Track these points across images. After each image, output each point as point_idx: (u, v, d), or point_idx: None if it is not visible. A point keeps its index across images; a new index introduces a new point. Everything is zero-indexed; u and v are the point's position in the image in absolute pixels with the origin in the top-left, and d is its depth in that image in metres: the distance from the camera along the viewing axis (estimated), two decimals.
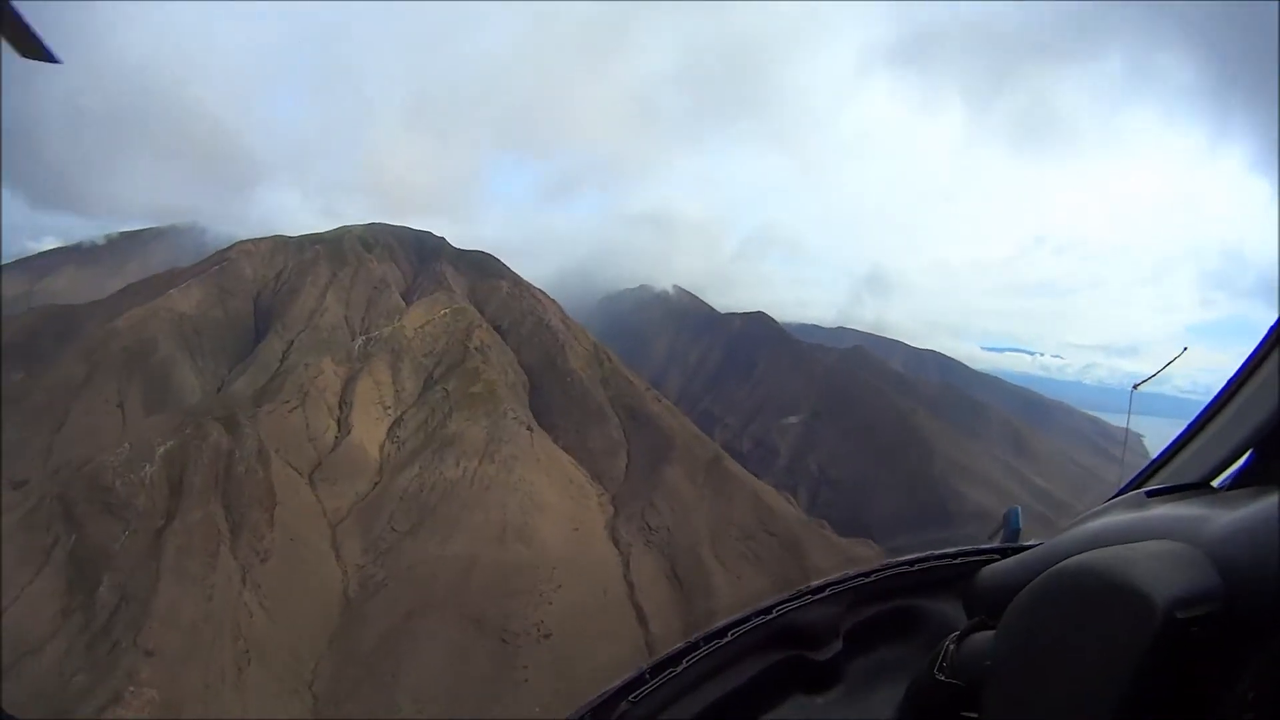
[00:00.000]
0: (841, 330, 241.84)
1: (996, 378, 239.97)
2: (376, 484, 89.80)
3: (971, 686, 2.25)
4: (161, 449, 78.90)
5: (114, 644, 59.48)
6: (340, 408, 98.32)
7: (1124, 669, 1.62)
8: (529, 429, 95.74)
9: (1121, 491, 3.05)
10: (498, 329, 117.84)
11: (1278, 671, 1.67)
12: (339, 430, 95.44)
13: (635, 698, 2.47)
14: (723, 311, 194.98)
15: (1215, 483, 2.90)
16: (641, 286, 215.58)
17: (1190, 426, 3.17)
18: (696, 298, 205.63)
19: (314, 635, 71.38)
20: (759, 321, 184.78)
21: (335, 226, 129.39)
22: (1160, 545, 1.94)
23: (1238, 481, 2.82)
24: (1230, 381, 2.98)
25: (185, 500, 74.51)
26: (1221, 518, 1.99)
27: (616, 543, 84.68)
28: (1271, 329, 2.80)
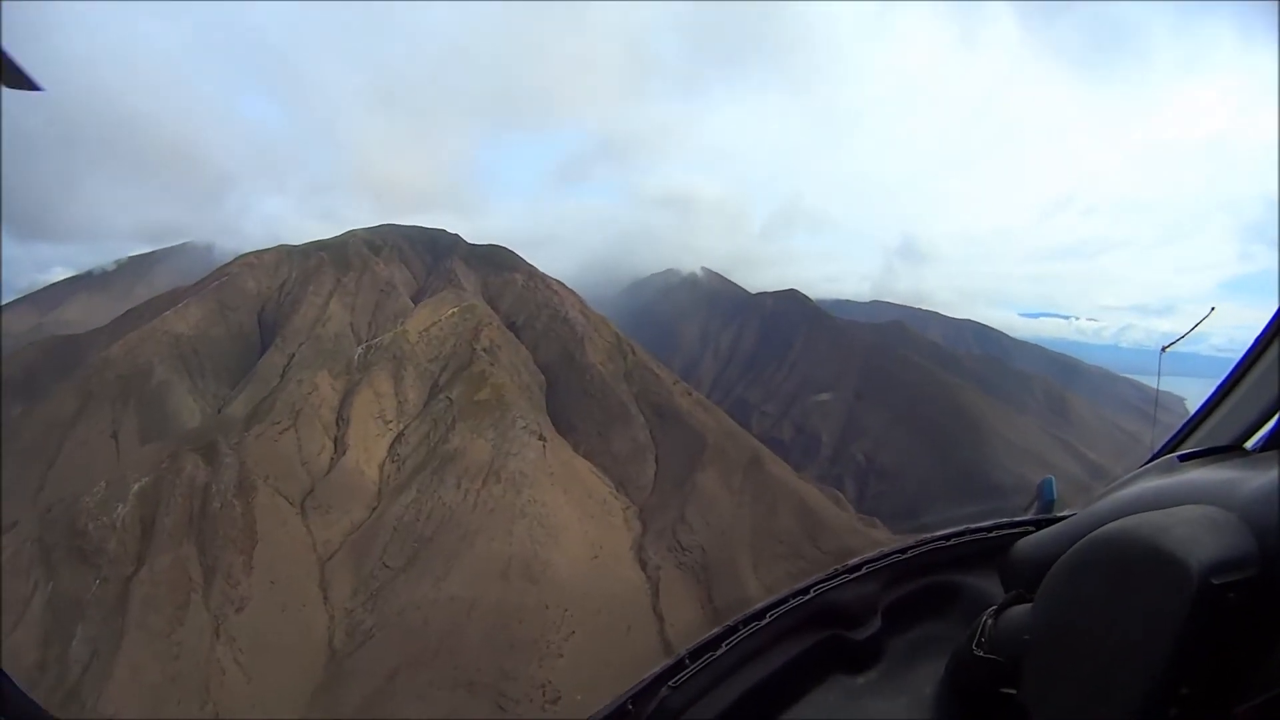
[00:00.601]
0: (876, 304, 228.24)
1: (1037, 345, 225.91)
2: (374, 510, 79.55)
3: (1010, 661, 2.22)
4: (136, 486, 71.17)
5: (82, 706, 53.53)
6: (337, 425, 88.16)
7: (1163, 636, 1.62)
8: (541, 438, 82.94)
9: (1154, 457, 3.03)
10: (512, 326, 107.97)
11: None
12: (335, 451, 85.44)
13: (675, 683, 2.44)
14: (753, 292, 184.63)
15: (1248, 445, 2.86)
16: (668, 271, 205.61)
17: (1219, 388, 3.11)
18: (726, 279, 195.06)
19: (294, 694, 61.29)
20: (792, 300, 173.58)
21: (342, 232, 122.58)
22: (1194, 510, 1.90)
23: (1271, 443, 2.75)
24: (1256, 342, 2.95)
25: (155, 543, 66.48)
26: (1254, 480, 1.96)
27: (644, 566, 73.25)
28: None
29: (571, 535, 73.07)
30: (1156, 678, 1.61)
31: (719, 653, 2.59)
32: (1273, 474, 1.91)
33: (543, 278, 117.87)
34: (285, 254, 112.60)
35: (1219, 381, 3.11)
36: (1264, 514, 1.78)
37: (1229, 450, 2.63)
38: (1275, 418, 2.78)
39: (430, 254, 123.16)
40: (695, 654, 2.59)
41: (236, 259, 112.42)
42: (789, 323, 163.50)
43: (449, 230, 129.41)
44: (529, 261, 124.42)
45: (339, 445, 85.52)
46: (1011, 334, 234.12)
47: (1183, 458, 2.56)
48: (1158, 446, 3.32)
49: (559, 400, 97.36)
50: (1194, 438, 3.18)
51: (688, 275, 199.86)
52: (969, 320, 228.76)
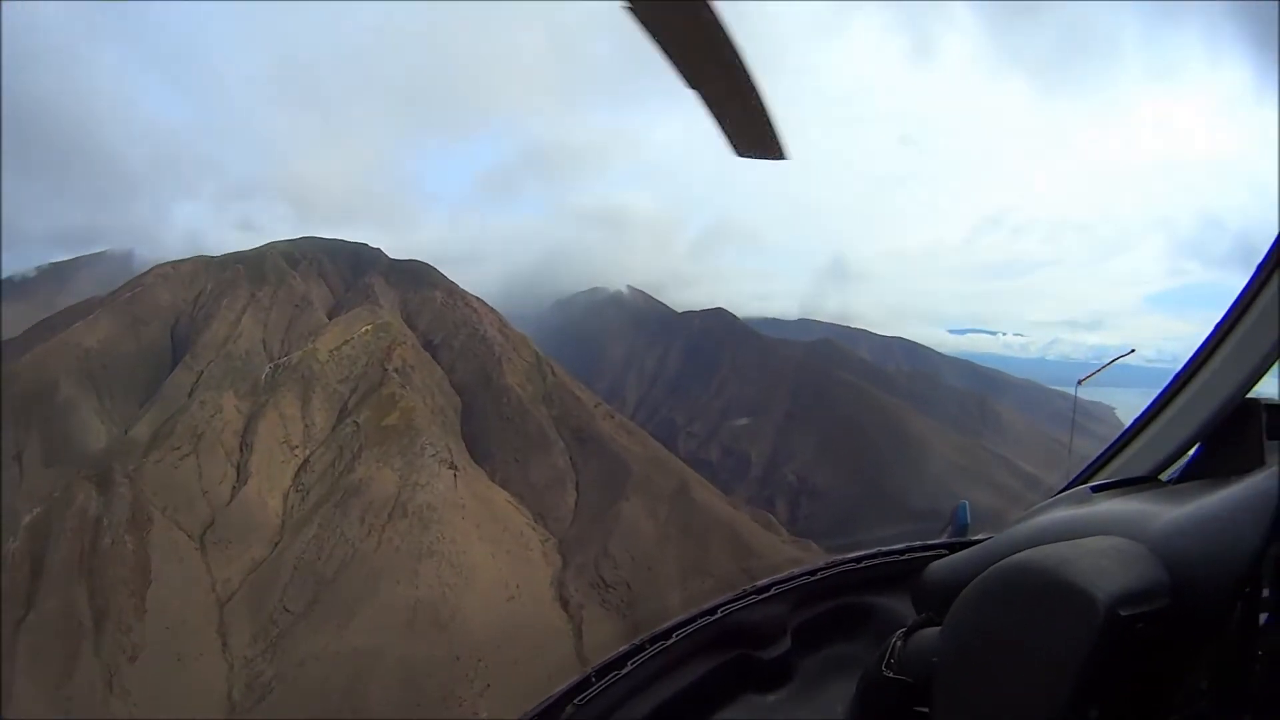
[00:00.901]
0: (804, 323, 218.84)
1: (966, 361, 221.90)
2: (276, 545, 73.29)
3: (920, 682, 2.20)
4: (28, 518, 66.17)
5: None
6: (241, 451, 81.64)
7: (1068, 666, 1.61)
8: (452, 467, 76.52)
9: (1070, 484, 3.02)
10: (429, 345, 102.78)
11: (1229, 663, 1.68)
12: (237, 479, 78.92)
13: (581, 701, 2.38)
14: (680, 311, 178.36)
15: (1164, 476, 2.90)
16: (594, 289, 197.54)
17: (1139, 419, 3.14)
18: (652, 298, 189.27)
19: None
20: (719, 318, 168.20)
21: (263, 243, 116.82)
22: (1104, 541, 1.89)
23: (1186, 475, 2.79)
24: (1178, 375, 2.97)
25: (44, 584, 61.61)
26: (1168, 512, 1.97)
27: (565, 605, 67.56)
28: (1218, 325, 2.81)
29: (485, 575, 66.82)
30: (1064, 705, 1.59)
31: (625, 671, 2.48)
32: (1185, 507, 1.89)
33: (462, 295, 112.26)
34: (203, 265, 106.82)
35: (1138, 414, 3.11)
36: (1176, 546, 1.78)
37: (1144, 481, 2.65)
38: (1192, 451, 2.82)
39: (350, 269, 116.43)
40: (601, 672, 2.46)
41: (152, 269, 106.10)
42: (716, 342, 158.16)
43: (371, 245, 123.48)
44: (450, 279, 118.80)
45: (241, 473, 79.31)
46: (941, 350, 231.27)
47: (1096, 488, 2.54)
48: (1073, 476, 3.25)
49: (475, 425, 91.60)
50: (1110, 467, 3.17)
51: (614, 293, 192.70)
52: (897, 337, 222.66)
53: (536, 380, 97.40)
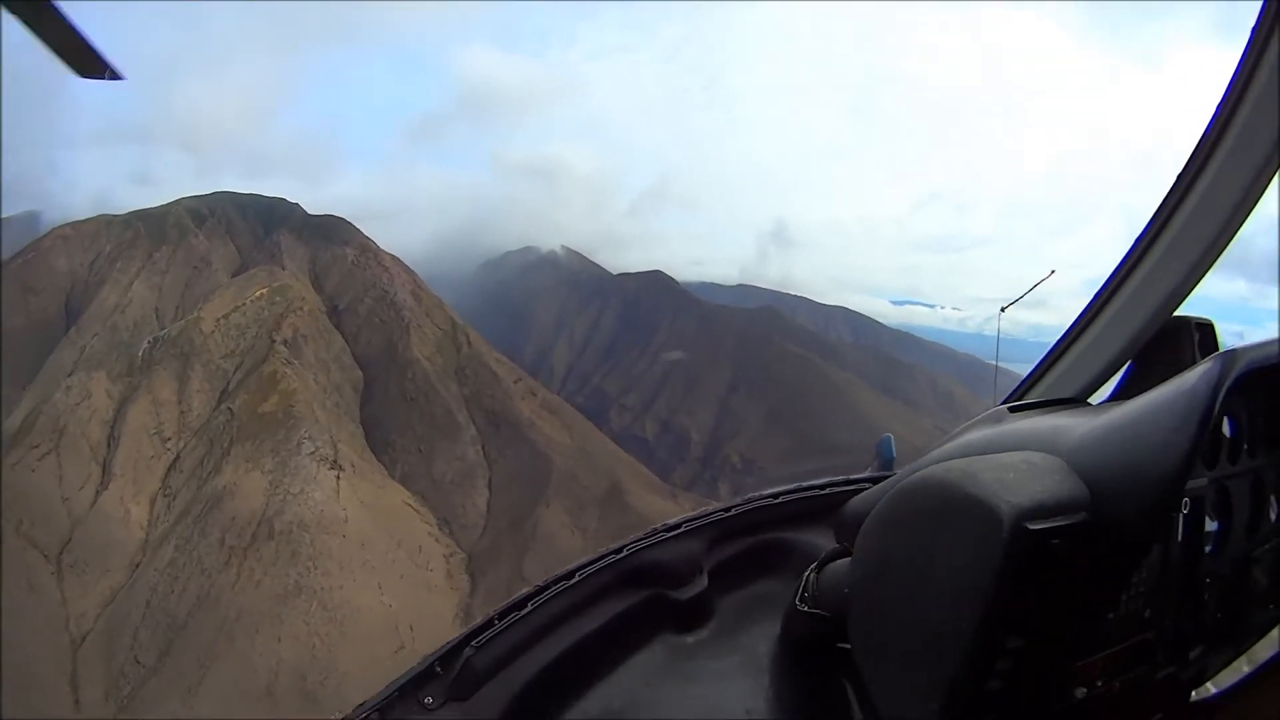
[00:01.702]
0: (744, 289, 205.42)
1: (908, 333, 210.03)
2: (137, 568, 60.91)
3: (837, 616, 2.04)
4: None
5: None
6: (108, 445, 68.83)
7: (978, 589, 1.47)
8: (335, 467, 60.74)
9: None
10: (334, 310, 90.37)
11: (1167, 588, 1.63)
12: (101, 482, 66.23)
13: (479, 642, 2.18)
14: (615, 273, 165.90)
15: (1092, 400, 2.78)
16: (525, 249, 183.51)
17: (1062, 339, 3.01)
18: (587, 259, 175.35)
19: None
20: (656, 281, 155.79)
21: (170, 200, 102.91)
22: (1013, 456, 1.70)
23: (1114, 398, 2.67)
24: (1100, 291, 2.85)
25: None
26: (1085, 425, 1.75)
27: None
28: (1139, 238, 2.71)
29: (368, 620, 53.52)
30: (978, 630, 1.46)
31: (526, 611, 2.28)
32: (1104, 417, 1.70)
33: (376, 253, 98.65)
34: (104, 225, 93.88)
35: (1060, 335, 2.99)
36: (1095, 456, 1.60)
37: (1067, 403, 2.34)
38: (1119, 374, 2.75)
39: (265, 226, 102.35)
40: (503, 614, 2.26)
41: (51, 231, 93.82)
42: (653, 306, 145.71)
43: (290, 199, 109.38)
44: (370, 236, 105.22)
45: (106, 474, 66.87)
46: (884, 321, 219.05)
47: (1014, 408, 2.22)
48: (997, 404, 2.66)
49: (375, 406, 79.18)
50: (1034, 392, 3.03)
51: (547, 253, 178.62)
52: (840, 307, 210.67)
53: (449, 351, 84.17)
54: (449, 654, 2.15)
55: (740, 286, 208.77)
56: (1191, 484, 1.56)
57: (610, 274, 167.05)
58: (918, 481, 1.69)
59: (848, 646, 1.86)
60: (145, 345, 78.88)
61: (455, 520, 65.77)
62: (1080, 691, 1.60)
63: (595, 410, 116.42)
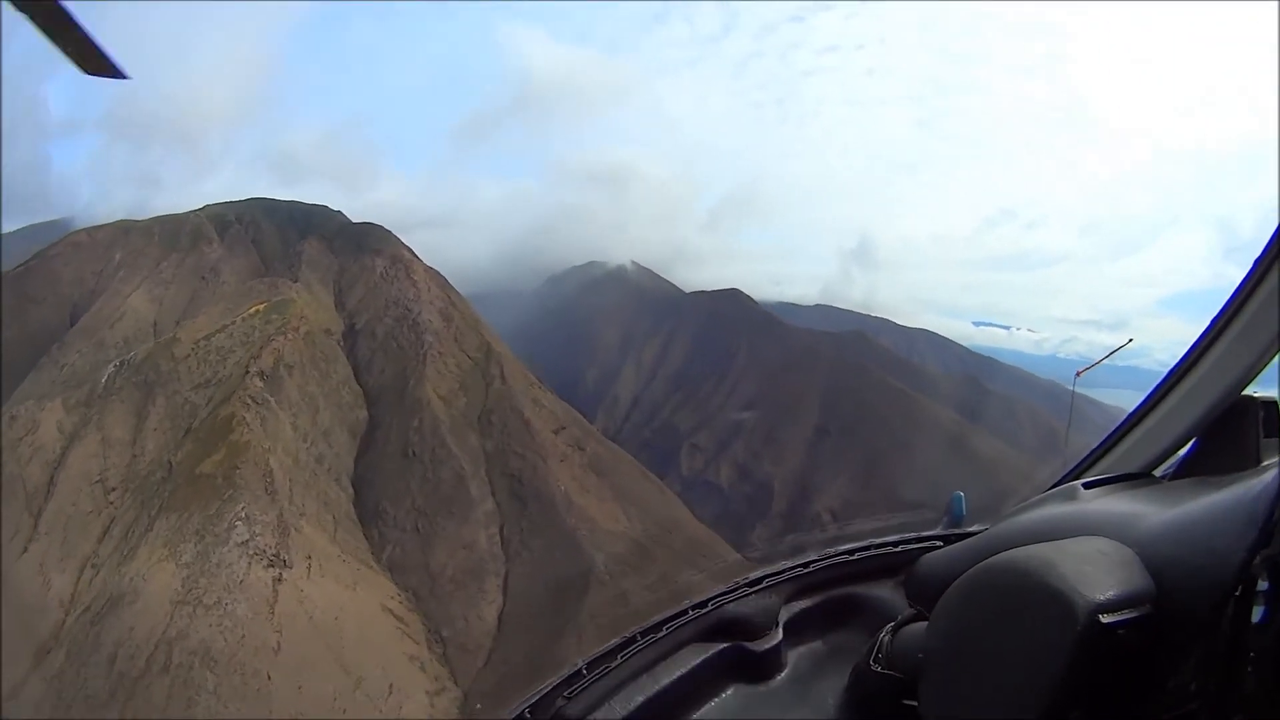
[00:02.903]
0: (822, 309, 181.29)
1: (993, 359, 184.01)
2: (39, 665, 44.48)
3: (908, 677, 2.15)
4: None
5: None
6: (47, 492, 54.13)
7: (1050, 670, 1.57)
8: (274, 564, 40.02)
9: (1064, 479, 2.91)
10: (351, 330, 74.59)
11: (1219, 663, 1.63)
12: (29, 538, 51.85)
13: (571, 693, 2.26)
14: (689, 290, 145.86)
15: (1158, 471, 2.82)
16: (591, 263, 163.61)
17: (1133, 414, 3.02)
18: (657, 275, 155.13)
19: None
20: (733, 300, 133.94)
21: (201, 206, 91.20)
22: (1089, 544, 1.84)
23: (1181, 471, 2.68)
24: (1174, 370, 2.86)
25: None
26: (1157, 514, 1.92)
27: None
28: (1215, 319, 2.70)
29: None
30: (1044, 706, 1.55)
31: (615, 663, 2.34)
32: (1174, 509, 1.85)
33: (408, 265, 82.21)
34: (123, 231, 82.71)
35: (1134, 406, 2.99)
36: (1163, 550, 1.73)
37: (1136, 478, 2.55)
38: (1188, 446, 2.71)
39: (299, 234, 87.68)
40: (593, 665, 2.33)
41: (65, 237, 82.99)
42: (730, 328, 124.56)
43: (332, 206, 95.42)
44: (411, 245, 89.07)
45: (36, 529, 52.65)
46: (968, 345, 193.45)
47: (1088, 484, 2.42)
48: (1068, 469, 3.13)
49: (373, 457, 58.23)
50: (1104, 462, 3.02)
51: (614, 268, 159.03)
52: (922, 329, 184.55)
53: (475, 389, 66.09)
54: (540, 703, 2.22)
55: (818, 307, 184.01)
56: (1252, 566, 1.58)
57: (683, 291, 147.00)
58: (1001, 564, 1.78)
59: (914, 705, 1.97)
60: (110, 369, 63.26)
61: (453, 638, 46.32)
62: None
63: (663, 451, 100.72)
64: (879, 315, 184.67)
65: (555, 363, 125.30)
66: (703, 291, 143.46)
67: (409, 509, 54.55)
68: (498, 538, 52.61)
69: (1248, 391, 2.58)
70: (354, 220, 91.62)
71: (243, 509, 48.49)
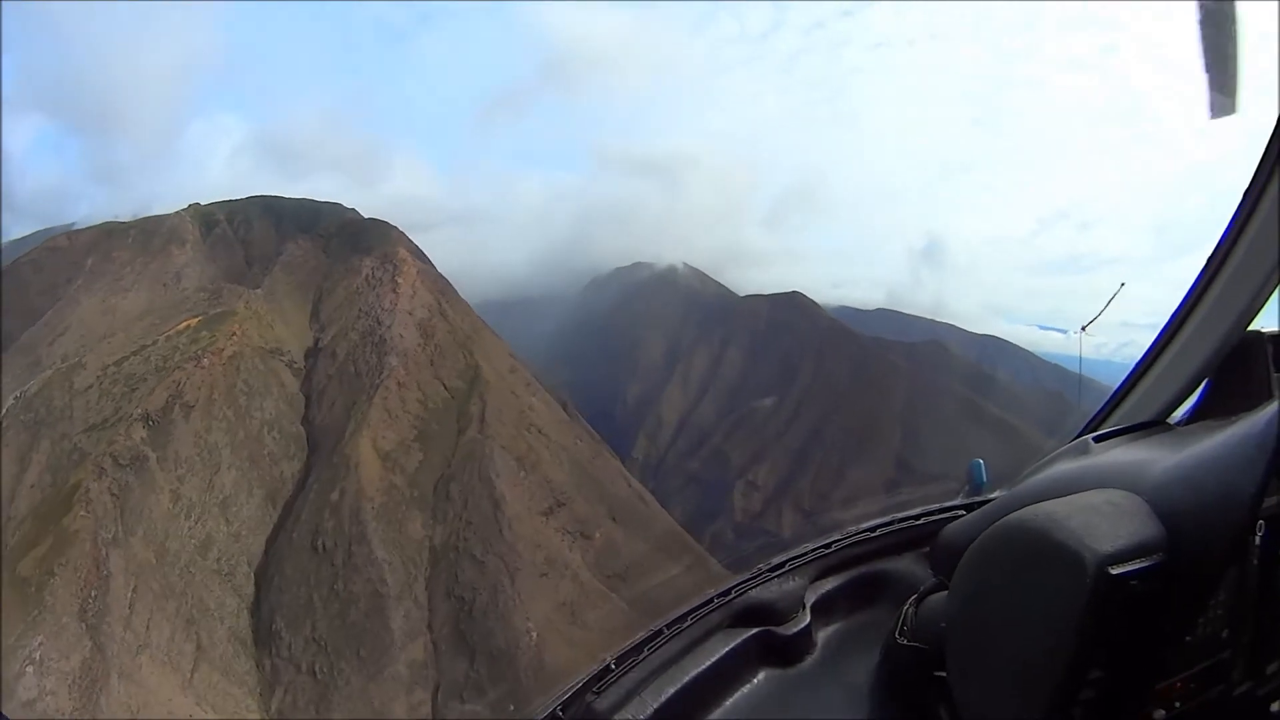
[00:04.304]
0: (884, 314, 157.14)
1: (1060, 365, 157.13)
2: None
3: (934, 647, 2.07)
4: None
5: None
6: None
7: (1066, 627, 1.54)
8: None
9: (1079, 435, 2.65)
10: (315, 348, 60.02)
11: (1245, 611, 1.65)
12: None
13: (600, 689, 2.18)
14: (743, 295, 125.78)
15: (1173, 418, 2.68)
16: (637, 264, 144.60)
17: (1141, 362, 2.93)
18: (708, 277, 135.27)
19: None
20: (794, 305, 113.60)
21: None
22: (1097, 496, 1.77)
23: (1194, 415, 2.59)
24: (1175, 313, 2.77)
25: None
26: (1165, 460, 1.84)
27: None
28: (1210, 258, 2.63)
29: None
30: (1065, 664, 1.52)
31: (643, 657, 2.25)
32: (1183, 453, 1.77)
33: (398, 265, 67.53)
34: (104, 234, 73.59)
35: (1141, 354, 2.89)
36: (1172, 495, 1.66)
37: (1150, 426, 2.39)
38: (1199, 390, 2.62)
39: (298, 232, 75.15)
40: (621, 660, 2.23)
41: (44, 241, 74.82)
42: (791, 337, 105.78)
43: (346, 204, 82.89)
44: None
45: None
46: (1036, 351, 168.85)
47: (1099, 438, 2.30)
48: (1082, 425, 2.99)
49: (283, 544, 35.81)
50: (1116, 414, 2.90)
51: (663, 270, 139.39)
52: (990, 335, 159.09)
53: (439, 440, 48.46)
54: (571, 700, 2.14)
55: (880, 311, 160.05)
56: (1266, 504, 1.57)
57: (737, 295, 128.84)
58: (1010, 525, 1.73)
59: (944, 675, 1.92)
60: (10, 403, 50.26)
61: None
62: (1159, 714, 1.62)
63: (713, 489, 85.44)
64: (945, 321, 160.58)
65: (593, 379, 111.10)
66: (759, 295, 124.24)
67: (307, 639, 35.68)
68: (427, 703, 33.05)
69: (1254, 327, 2.52)
70: (366, 217, 78.42)
71: (39, 645, 29.81)
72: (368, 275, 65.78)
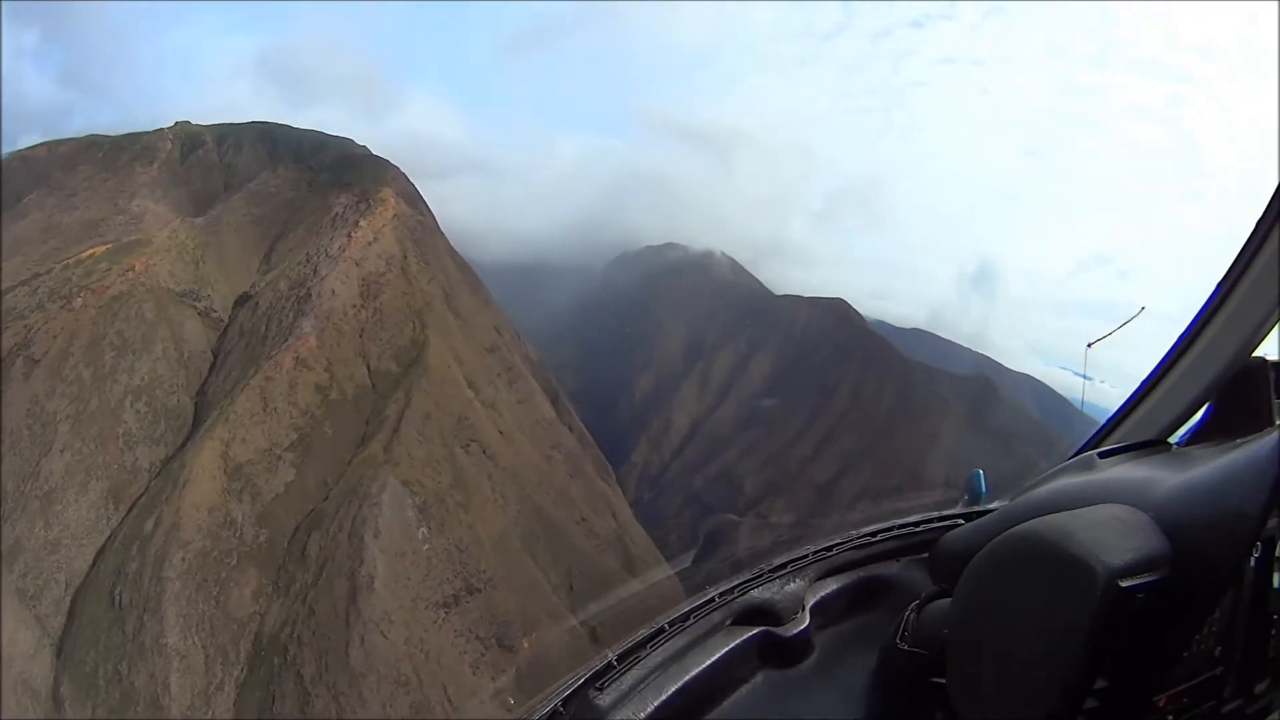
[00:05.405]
0: (919, 334, 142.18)
1: (1091, 417, 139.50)
2: None
3: (935, 654, 2.05)
4: None
5: None
6: None
7: (1072, 638, 1.53)
8: None
9: (1079, 451, 2.76)
10: (242, 299, 46.67)
11: (1238, 629, 1.65)
12: None
13: (602, 685, 2.13)
14: (779, 294, 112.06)
15: (1174, 439, 2.66)
16: (669, 244, 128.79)
17: (1145, 383, 2.94)
18: (743, 269, 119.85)
19: None
20: (836, 314, 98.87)
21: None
22: (1106, 511, 1.77)
23: (1195, 437, 2.57)
24: (1182, 336, 2.78)
25: None
26: (1171, 478, 1.86)
27: None
28: (1219, 284, 2.63)
29: None
30: (1071, 673, 1.52)
31: (645, 654, 2.20)
32: (1188, 473, 1.79)
33: (375, 204, 54.68)
34: (85, 146, 63.66)
35: (1145, 376, 2.90)
36: (1178, 513, 1.67)
37: (1151, 445, 2.39)
38: (1200, 412, 2.62)
39: (290, 163, 63.42)
40: (623, 657, 2.17)
41: (18, 150, 64.58)
42: (831, 349, 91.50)
43: (358, 140, 70.36)
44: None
45: None
46: (1068, 397, 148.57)
47: (1103, 454, 2.31)
48: (1084, 441, 2.98)
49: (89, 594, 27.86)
50: (1119, 431, 2.93)
51: (698, 255, 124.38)
52: (1026, 375, 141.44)
53: (328, 452, 35.21)
54: (572, 696, 2.10)
55: (915, 331, 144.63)
56: (1265, 528, 1.58)
57: (772, 293, 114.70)
58: (1019, 535, 1.70)
59: (942, 681, 1.88)
60: None
61: None
62: None
63: (714, 513, 68.44)
64: (979, 351, 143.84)
65: (601, 364, 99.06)
66: (798, 296, 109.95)
67: None
68: None
69: (1258, 353, 2.52)
70: (377, 155, 66.75)
71: None
72: (337, 214, 52.69)
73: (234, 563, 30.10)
